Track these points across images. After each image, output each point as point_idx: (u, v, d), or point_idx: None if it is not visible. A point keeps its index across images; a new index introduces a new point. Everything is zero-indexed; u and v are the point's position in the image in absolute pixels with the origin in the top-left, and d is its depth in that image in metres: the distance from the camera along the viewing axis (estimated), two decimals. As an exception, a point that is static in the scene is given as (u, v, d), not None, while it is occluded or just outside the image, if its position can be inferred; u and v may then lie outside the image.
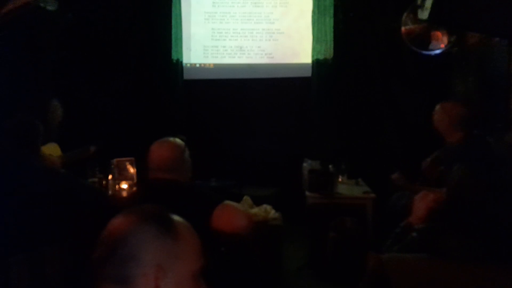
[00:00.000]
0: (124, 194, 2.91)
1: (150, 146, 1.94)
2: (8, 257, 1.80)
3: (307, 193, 3.58)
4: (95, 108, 4.65)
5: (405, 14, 3.50)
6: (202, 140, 4.31)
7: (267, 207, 3.17)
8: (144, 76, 4.91)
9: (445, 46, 3.53)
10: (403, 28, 3.53)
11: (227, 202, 1.85)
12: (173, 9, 4.91)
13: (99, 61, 4.64)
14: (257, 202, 3.27)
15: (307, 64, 4.90)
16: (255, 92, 4.94)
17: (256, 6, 5.03)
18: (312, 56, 4.85)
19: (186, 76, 5.02)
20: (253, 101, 4.93)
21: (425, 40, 3.51)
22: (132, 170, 3.01)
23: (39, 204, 2.04)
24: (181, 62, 4.98)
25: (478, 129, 3.01)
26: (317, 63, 4.84)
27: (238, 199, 2.92)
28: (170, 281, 0.88)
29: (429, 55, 3.62)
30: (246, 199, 3.25)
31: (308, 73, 4.89)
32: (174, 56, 4.93)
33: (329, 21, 4.79)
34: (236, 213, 1.83)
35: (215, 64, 5.08)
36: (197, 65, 5.10)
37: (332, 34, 4.79)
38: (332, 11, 4.79)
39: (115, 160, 3.01)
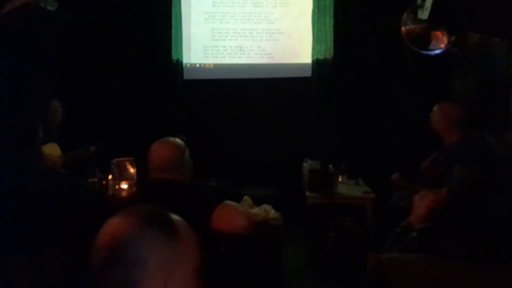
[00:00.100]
0: (124, 194, 2.92)
1: (150, 146, 1.94)
2: (8, 257, 1.80)
3: (307, 193, 3.58)
4: (95, 108, 4.66)
5: (405, 14, 3.49)
6: (202, 140, 4.32)
7: (267, 207, 3.17)
8: (144, 76, 4.91)
9: (445, 46, 3.53)
10: (403, 28, 3.52)
11: (227, 202, 1.85)
12: (173, 9, 4.91)
13: (99, 61, 4.64)
14: (257, 202, 3.27)
15: (307, 64, 4.90)
16: (255, 92, 4.95)
17: (256, 6, 5.04)
18: (312, 56, 4.85)
19: (186, 76, 5.02)
20: (253, 101, 4.93)
21: (425, 40, 3.51)
22: (132, 170, 3.02)
23: (39, 204, 2.04)
24: (181, 62, 4.99)
25: (477, 129, 3.02)
26: (317, 63, 4.84)
27: (238, 199, 2.92)
28: (175, 281, 0.89)
29: (429, 55, 3.61)
30: (246, 199, 3.25)
31: (308, 73, 4.89)
32: (174, 56, 4.93)
33: (329, 21, 4.80)
34: (236, 213, 1.83)
35: (215, 64, 5.09)
36: (197, 65, 5.10)
37: (332, 34, 4.79)
38: (332, 11, 4.79)
39: (115, 160, 3.01)
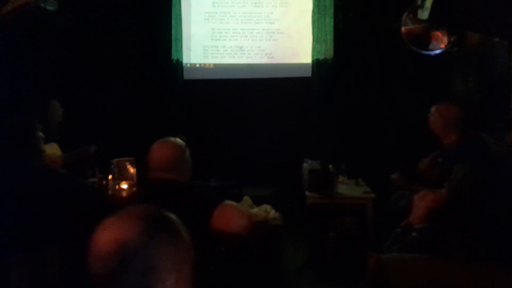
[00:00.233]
0: (124, 194, 2.92)
1: (151, 146, 1.94)
2: (8, 257, 1.80)
3: (307, 193, 3.58)
4: (95, 108, 4.66)
5: (405, 14, 3.49)
6: (202, 140, 4.31)
7: (267, 207, 3.17)
8: (144, 76, 4.91)
9: (445, 46, 3.53)
10: (403, 28, 3.53)
11: (227, 202, 1.85)
12: (173, 9, 4.91)
13: (99, 61, 4.64)
14: (257, 202, 3.27)
15: (307, 64, 4.90)
16: (255, 92, 4.95)
17: (256, 6, 5.04)
18: (312, 56, 4.85)
19: (186, 76, 5.02)
20: (253, 101, 4.93)
21: (425, 40, 3.51)
22: (132, 170, 3.02)
23: (39, 204, 2.04)
24: (181, 62, 4.99)
25: (476, 129, 3.02)
26: (317, 63, 4.84)
27: (238, 199, 2.92)
28: (183, 281, 0.90)
29: (429, 55, 3.62)
30: (246, 199, 3.25)
31: (308, 73, 4.89)
32: (174, 56, 4.93)
33: (329, 21, 4.80)
34: (236, 213, 1.83)
35: (215, 64, 5.09)
36: (197, 65, 5.10)
37: (332, 34, 4.79)
38: (332, 11, 4.79)
39: (115, 160, 3.01)
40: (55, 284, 1.91)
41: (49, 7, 3.72)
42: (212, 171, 4.42)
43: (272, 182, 4.55)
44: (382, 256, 1.93)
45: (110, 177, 3.02)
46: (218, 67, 5.08)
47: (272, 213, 3.11)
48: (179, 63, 4.96)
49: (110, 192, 2.96)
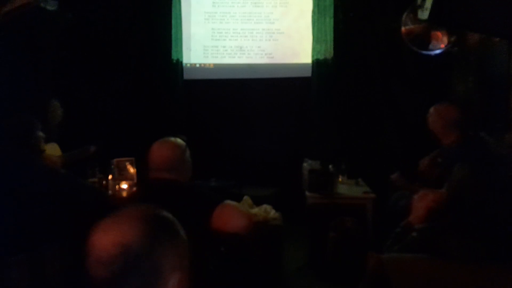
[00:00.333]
0: (124, 194, 2.92)
1: (151, 146, 1.94)
2: (8, 257, 1.80)
3: (307, 193, 3.58)
4: (95, 108, 4.66)
5: (405, 14, 3.49)
6: (202, 140, 4.31)
7: (267, 207, 3.17)
8: (144, 76, 4.91)
9: (445, 46, 3.53)
10: (403, 28, 3.52)
11: (227, 202, 1.85)
12: (173, 9, 4.91)
13: (99, 61, 4.64)
14: (257, 202, 3.27)
15: (307, 64, 4.90)
16: (255, 92, 4.95)
17: (256, 6, 5.04)
18: (312, 56, 4.86)
19: (186, 76, 5.02)
20: (253, 101, 4.93)
21: (425, 40, 3.51)
22: (132, 170, 3.02)
23: (39, 204, 2.04)
24: (181, 62, 4.99)
25: (476, 129, 3.02)
26: (317, 63, 4.84)
27: (238, 199, 2.92)
28: (184, 278, 0.91)
29: (429, 55, 3.61)
30: (246, 199, 3.25)
31: (308, 73, 4.89)
32: (174, 56, 4.93)
33: (329, 21, 4.80)
34: (236, 213, 1.83)
35: (215, 64, 5.09)
36: (197, 65, 5.10)
37: (332, 34, 4.79)
38: (332, 11, 4.79)
39: (115, 160, 3.01)
40: (55, 284, 1.91)
41: (49, 7, 3.73)
42: (212, 171, 4.42)
43: (272, 182, 4.55)
44: (382, 256, 1.93)
45: (110, 177, 3.02)
46: (218, 67, 5.08)
47: (272, 213, 3.11)
48: (179, 63, 4.96)
49: (110, 192, 2.95)
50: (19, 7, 3.38)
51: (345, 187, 3.70)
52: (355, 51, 4.76)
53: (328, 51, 4.82)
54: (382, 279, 1.84)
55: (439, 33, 3.49)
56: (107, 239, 0.86)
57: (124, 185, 2.97)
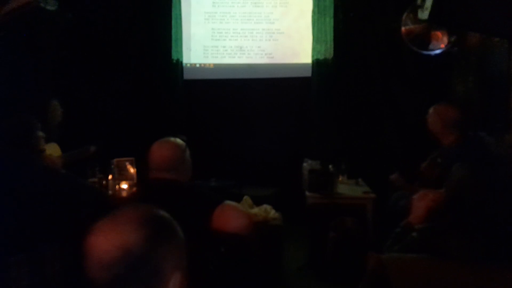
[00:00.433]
0: (124, 194, 2.92)
1: (151, 146, 1.94)
2: (8, 257, 1.79)
3: (307, 193, 3.58)
4: (95, 108, 4.66)
5: (405, 14, 3.50)
6: (202, 140, 4.31)
7: (267, 207, 3.17)
8: (144, 76, 4.91)
9: (445, 46, 3.53)
10: (403, 28, 3.53)
11: (227, 202, 1.85)
12: (173, 9, 4.91)
13: (99, 61, 4.64)
14: (257, 202, 3.27)
15: (307, 64, 4.90)
16: (255, 92, 4.95)
17: (256, 6, 5.04)
18: (312, 56, 4.85)
19: (186, 76, 5.02)
20: (253, 101, 4.93)
21: (425, 40, 3.51)
22: (132, 170, 3.02)
23: (39, 204, 2.04)
24: (181, 62, 4.99)
25: (476, 129, 3.02)
26: (317, 63, 4.84)
27: (238, 199, 2.92)
28: (183, 275, 0.91)
29: (429, 55, 3.62)
30: (246, 199, 3.25)
31: (308, 73, 4.89)
32: (174, 56, 4.93)
33: (329, 21, 4.80)
34: (236, 213, 1.83)
35: (215, 64, 5.09)
36: (197, 65, 5.10)
37: (332, 34, 4.79)
38: (332, 11, 4.79)
39: (115, 160, 3.01)
40: (55, 284, 1.91)
41: (49, 7, 3.72)
42: (212, 171, 4.42)
43: (272, 182, 4.55)
44: (382, 256, 1.93)
45: (110, 177, 3.02)
46: (218, 67, 5.08)
47: (272, 213, 3.11)
48: (179, 63, 4.96)
49: (110, 192, 2.96)
50: (19, 7, 3.39)
51: (345, 187, 3.70)
52: (355, 51, 4.76)
53: (328, 51, 4.82)
54: (382, 279, 1.84)
55: (439, 33, 3.49)
56: (108, 242, 0.85)
57: (124, 185, 2.97)
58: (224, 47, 5.06)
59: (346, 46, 4.77)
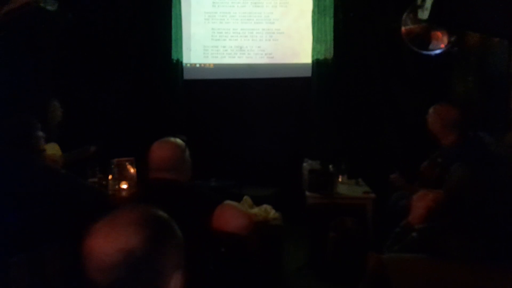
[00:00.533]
0: (124, 194, 2.91)
1: (151, 146, 1.94)
2: (8, 257, 1.79)
3: (307, 193, 3.58)
4: (95, 108, 4.66)
5: (405, 14, 3.49)
6: (202, 140, 4.31)
7: (267, 207, 3.16)
8: (144, 76, 4.91)
9: (445, 46, 3.53)
10: (403, 28, 3.53)
11: (227, 202, 1.85)
12: (173, 9, 4.91)
13: (99, 61, 4.64)
14: (257, 202, 3.27)
15: (307, 64, 4.90)
16: (255, 92, 4.95)
17: (256, 6, 5.04)
18: (312, 56, 4.86)
19: (186, 76, 5.02)
20: (253, 101, 4.93)
21: (425, 40, 3.51)
22: (132, 170, 3.02)
23: (39, 204, 2.04)
24: (181, 62, 4.99)
25: (476, 129, 3.02)
26: (317, 63, 4.84)
27: (238, 199, 2.92)
28: (182, 273, 0.92)
29: (429, 55, 3.62)
30: (246, 199, 3.25)
31: (308, 73, 4.89)
32: (174, 56, 4.93)
33: (329, 21, 4.80)
34: (236, 213, 1.83)
35: (215, 64, 5.09)
36: (197, 65, 5.10)
37: (332, 34, 4.79)
38: (332, 11, 4.79)
39: (115, 160, 3.01)
40: (55, 284, 1.91)
41: (49, 7, 3.72)
42: (212, 171, 4.42)
43: (272, 182, 4.55)
44: (382, 256, 1.93)
45: (110, 177, 3.02)
46: (218, 67, 5.08)
47: (272, 213, 3.10)
48: (179, 63, 4.96)
49: (110, 192, 2.95)
50: (19, 7, 3.39)
51: (345, 187, 3.70)
52: (355, 51, 4.76)
53: (328, 51, 4.82)
54: (382, 279, 1.84)
55: (439, 33, 3.49)
56: (109, 245, 0.85)
57: (124, 185, 2.97)
58: (224, 47, 5.06)
59: (346, 46, 4.77)
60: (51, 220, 2.02)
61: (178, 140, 1.98)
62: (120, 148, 3.30)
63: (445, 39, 3.51)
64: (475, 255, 1.80)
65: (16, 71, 3.76)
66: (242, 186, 4.27)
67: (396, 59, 4.51)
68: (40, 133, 2.32)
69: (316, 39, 4.83)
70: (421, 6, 3.05)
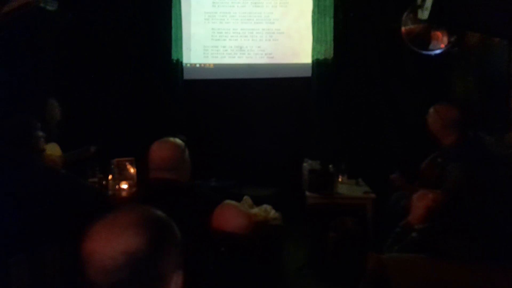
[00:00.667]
0: (124, 194, 2.92)
1: (150, 146, 1.94)
2: (8, 257, 1.80)
3: (307, 193, 3.58)
4: (95, 108, 4.66)
5: (405, 14, 3.50)
6: (202, 140, 4.32)
7: (267, 207, 3.16)
8: (144, 76, 4.91)
9: (445, 46, 3.53)
10: (403, 28, 3.53)
11: (227, 201, 1.85)
12: (173, 9, 4.92)
13: (99, 61, 4.64)
14: (257, 202, 3.27)
15: (307, 64, 4.90)
16: (255, 92, 4.95)
17: (256, 6, 5.04)
18: (312, 56, 4.86)
19: (186, 76, 5.03)
20: (253, 101, 4.93)
21: (425, 40, 3.51)
22: (132, 170, 3.02)
23: (39, 204, 2.04)
24: (181, 62, 4.99)
25: (476, 130, 3.02)
26: (317, 63, 4.84)
27: (238, 199, 2.92)
28: (181, 273, 0.92)
29: (429, 55, 3.62)
30: (246, 199, 3.25)
31: (308, 73, 4.89)
32: (174, 56, 4.93)
33: (329, 21, 4.80)
34: (236, 213, 1.83)
35: (215, 64, 5.09)
36: (197, 65, 5.10)
37: (332, 34, 4.79)
38: (332, 11, 4.79)
39: (115, 160, 3.01)
40: (55, 284, 1.91)
41: (49, 7, 3.72)
42: (212, 171, 4.42)
43: (272, 182, 4.55)
44: (382, 256, 1.93)
45: (110, 177, 3.02)
46: (218, 67, 5.08)
47: (272, 213, 3.10)
48: (179, 63, 4.96)
49: (110, 192, 2.95)
50: (19, 7, 3.39)
51: (345, 187, 3.70)
52: (355, 51, 4.76)
53: (328, 51, 4.82)
54: (382, 279, 1.84)
55: (439, 33, 3.49)
56: (111, 248, 0.85)
57: (124, 185, 2.97)
58: (224, 47, 5.06)
59: (346, 46, 4.77)
60: (51, 220, 2.02)
61: (178, 140, 1.98)
62: (120, 148, 3.31)
63: (445, 39, 3.51)
64: (475, 255, 1.80)
65: (16, 71, 3.76)
66: (242, 186, 4.27)
67: (396, 59, 4.51)
68: (40, 133, 2.32)
69: (316, 39, 4.83)
70: (421, 6, 3.05)
